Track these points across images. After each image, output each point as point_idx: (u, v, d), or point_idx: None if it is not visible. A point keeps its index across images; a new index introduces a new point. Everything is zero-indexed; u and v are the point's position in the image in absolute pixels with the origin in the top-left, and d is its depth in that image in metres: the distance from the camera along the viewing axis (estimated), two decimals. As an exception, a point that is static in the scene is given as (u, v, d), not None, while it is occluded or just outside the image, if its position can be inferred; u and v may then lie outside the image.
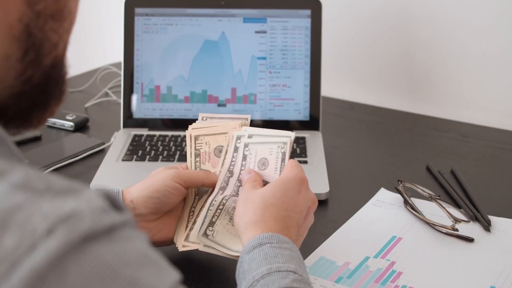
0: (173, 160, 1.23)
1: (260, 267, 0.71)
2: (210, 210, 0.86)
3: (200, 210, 0.90)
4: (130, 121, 1.35)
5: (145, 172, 1.18)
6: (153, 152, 1.26)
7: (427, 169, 1.22)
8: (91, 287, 0.37)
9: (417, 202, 1.07)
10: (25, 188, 0.39)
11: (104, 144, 1.31)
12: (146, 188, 0.87)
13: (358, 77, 1.60)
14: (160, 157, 1.24)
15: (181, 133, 1.32)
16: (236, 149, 0.90)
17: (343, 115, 1.49)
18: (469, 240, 0.98)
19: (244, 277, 0.72)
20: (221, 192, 0.88)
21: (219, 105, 1.35)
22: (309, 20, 1.34)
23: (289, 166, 0.84)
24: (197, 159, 0.92)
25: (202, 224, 0.85)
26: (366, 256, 0.95)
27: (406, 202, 1.07)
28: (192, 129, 0.94)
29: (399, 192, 1.09)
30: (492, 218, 1.03)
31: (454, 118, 1.45)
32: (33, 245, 0.36)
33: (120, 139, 1.30)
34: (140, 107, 1.35)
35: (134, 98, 1.35)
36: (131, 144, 1.29)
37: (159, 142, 1.29)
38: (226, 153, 0.91)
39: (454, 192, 1.12)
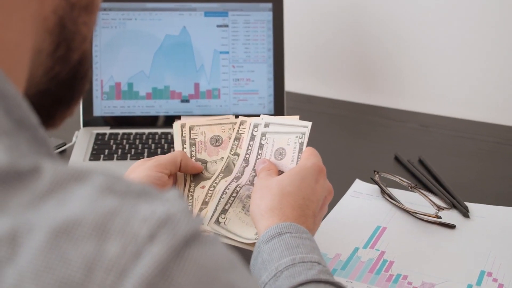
0: (142, 158, 1.20)
1: (282, 257, 0.70)
2: (223, 198, 0.84)
3: (207, 196, 0.87)
4: (91, 119, 1.31)
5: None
6: (120, 150, 1.22)
7: (396, 158, 1.24)
8: None
9: (393, 191, 1.09)
10: (111, 191, 0.36)
11: (65, 144, 1.26)
12: None
13: (313, 71, 1.61)
14: (129, 155, 1.21)
15: (145, 130, 1.29)
16: (252, 137, 0.89)
17: (301, 108, 1.49)
18: (451, 227, 1.00)
19: (264, 267, 0.70)
20: (235, 181, 0.86)
21: (182, 101, 1.32)
22: (270, 13, 1.34)
23: (307, 154, 0.83)
24: (193, 148, 0.90)
25: (214, 211, 0.83)
26: (356, 247, 0.95)
27: (383, 192, 1.09)
28: (183, 121, 0.92)
29: (376, 182, 1.10)
30: (469, 205, 1.05)
31: (411, 109, 1.48)
32: (138, 252, 0.34)
33: (82, 139, 1.26)
34: (100, 105, 1.31)
35: (94, 96, 1.31)
36: (95, 143, 1.25)
37: (124, 141, 1.26)
38: (241, 141, 0.89)
39: (427, 180, 1.14)
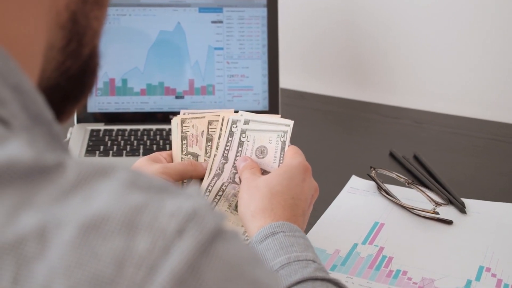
0: (138, 155, 1.20)
1: (277, 256, 0.70)
2: (207, 195, 0.83)
3: None
4: (84, 115, 1.30)
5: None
6: (115, 147, 1.22)
7: (391, 155, 1.24)
8: None
9: (389, 187, 1.09)
10: (136, 186, 0.36)
11: (60, 140, 1.25)
12: None
13: (307, 67, 1.61)
14: (124, 151, 1.20)
15: (140, 127, 1.28)
16: (231, 134, 0.87)
17: (295, 104, 1.49)
18: (449, 222, 1.00)
19: None
20: (216, 178, 0.86)
21: (177, 97, 1.32)
22: (265, 9, 1.34)
23: (291, 153, 0.83)
24: (184, 142, 0.90)
25: None
26: (355, 243, 0.96)
27: (380, 188, 1.09)
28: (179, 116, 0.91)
29: (373, 178, 1.11)
30: (465, 201, 1.06)
31: (404, 105, 1.48)
32: (167, 247, 0.34)
33: (77, 135, 1.25)
34: (94, 101, 1.30)
35: (88, 92, 1.30)
36: (90, 140, 1.24)
37: (119, 137, 1.25)
38: (219, 137, 0.89)
39: (423, 176, 1.14)
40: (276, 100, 1.33)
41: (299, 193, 0.78)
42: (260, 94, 1.34)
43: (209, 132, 0.89)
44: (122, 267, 0.32)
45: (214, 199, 0.83)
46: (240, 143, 0.87)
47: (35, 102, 0.43)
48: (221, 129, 0.89)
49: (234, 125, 0.88)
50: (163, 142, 1.24)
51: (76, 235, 0.33)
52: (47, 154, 0.36)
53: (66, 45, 0.50)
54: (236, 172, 0.85)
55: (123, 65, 1.31)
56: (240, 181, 0.83)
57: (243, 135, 0.87)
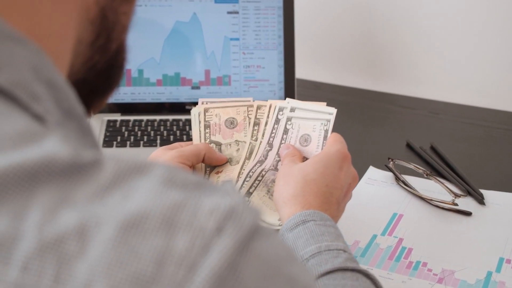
0: (155, 145, 1.20)
1: (307, 245, 0.70)
2: (247, 181, 0.84)
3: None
4: (101, 106, 1.30)
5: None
6: (132, 137, 1.22)
7: (408, 145, 1.24)
8: (262, 287, 0.35)
9: (407, 178, 1.09)
10: (173, 184, 0.36)
11: (77, 131, 1.26)
12: None
13: (323, 57, 1.60)
14: (141, 142, 1.21)
15: (157, 117, 1.28)
16: (277, 121, 0.87)
17: (310, 95, 1.49)
18: (467, 214, 1.00)
19: None
20: (259, 164, 0.86)
21: (193, 88, 1.32)
22: (281, 0, 1.33)
23: (331, 141, 0.82)
24: (207, 131, 0.90)
25: None
26: (374, 234, 0.96)
27: (398, 179, 1.09)
28: (199, 106, 0.92)
29: (390, 169, 1.10)
30: (483, 192, 1.06)
31: (420, 96, 1.48)
32: (206, 245, 0.33)
33: (94, 125, 1.26)
34: (110, 92, 1.30)
35: (104, 83, 1.30)
36: (107, 130, 1.24)
37: (136, 127, 1.25)
38: (265, 124, 0.88)
39: (440, 167, 1.14)
40: (292, 91, 1.33)
41: (334, 181, 0.78)
42: (276, 85, 1.33)
43: (257, 117, 0.89)
44: (162, 266, 0.32)
45: (252, 184, 0.84)
46: (285, 131, 0.87)
47: (67, 97, 0.43)
48: (267, 116, 0.89)
49: (281, 112, 0.88)
50: (180, 133, 1.24)
51: (116, 234, 0.33)
52: (84, 151, 0.36)
53: (95, 40, 0.50)
54: (279, 160, 0.86)
55: (139, 55, 1.31)
56: None
57: (289, 122, 0.87)
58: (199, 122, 0.90)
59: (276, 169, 0.86)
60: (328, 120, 0.85)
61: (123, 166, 0.36)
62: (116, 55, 0.53)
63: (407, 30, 1.49)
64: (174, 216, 0.34)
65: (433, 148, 1.23)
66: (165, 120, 1.27)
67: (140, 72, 1.31)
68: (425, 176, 1.06)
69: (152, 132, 1.24)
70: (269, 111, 0.89)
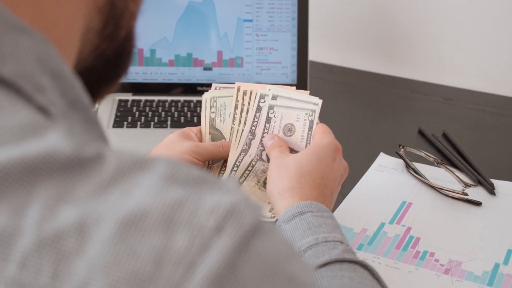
0: (166, 127, 1.20)
1: (305, 237, 0.70)
2: (235, 171, 0.83)
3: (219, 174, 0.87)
4: (113, 85, 1.30)
5: (139, 139, 1.16)
6: (143, 118, 1.22)
7: (420, 132, 1.23)
8: (261, 286, 0.35)
9: (417, 166, 1.08)
10: (175, 180, 0.36)
11: (88, 110, 1.26)
12: None
13: (337, 40, 1.59)
14: (152, 123, 1.21)
15: (168, 98, 1.28)
16: (259, 109, 0.86)
17: (323, 78, 1.48)
18: (477, 204, 1.00)
19: None
20: (243, 153, 0.85)
21: (205, 69, 1.32)
22: (295, -19, 1.32)
23: (320, 132, 0.82)
24: (212, 117, 0.89)
25: None
26: (382, 222, 0.95)
27: (408, 167, 1.08)
28: (210, 92, 0.91)
29: (401, 157, 1.10)
30: (494, 182, 1.05)
31: (434, 81, 1.46)
32: (205, 245, 0.33)
33: (105, 105, 1.26)
34: (122, 71, 1.30)
35: (117, 62, 1.30)
36: (118, 110, 1.24)
37: (147, 108, 1.25)
38: (247, 112, 0.87)
39: (451, 155, 1.13)
40: (304, 74, 1.32)
41: (328, 173, 0.78)
42: (288, 68, 1.32)
43: (241, 101, 0.88)
44: (160, 265, 0.32)
45: (243, 174, 0.83)
46: (268, 119, 0.86)
47: (73, 87, 0.43)
48: (248, 103, 0.88)
49: (262, 100, 0.86)
50: (191, 114, 1.24)
51: (115, 232, 0.33)
52: (86, 146, 0.36)
53: (103, 28, 0.49)
54: (263, 149, 0.85)
55: (152, 35, 1.30)
56: (268, 159, 0.83)
57: (271, 111, 0.86)
58: (206, 108, 0.90)
59: (261, 159, 0.85)
60: (313, 111, 0.84)
61: (125, 161, 0.36)
62: (124, 43, 0.53)
63: (423, 14, 1.47)
64: (174, 214, 0.34)
65: (445, 136, 1.22)
66: (176, 101, 1.27)
67: (153, 52, 1.31)
68: (436, 165, 1.06)
69: (163, 113, 1.23)
70: (249, 98, 0.88)
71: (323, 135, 0.82)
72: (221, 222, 0.34)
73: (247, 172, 0.84)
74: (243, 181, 0.83)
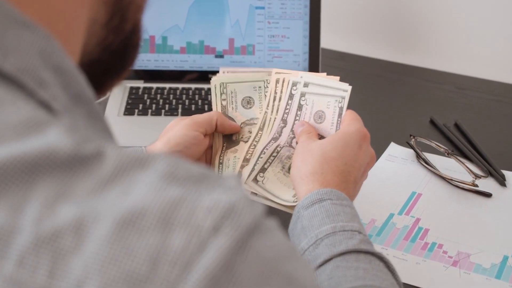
0: (177, 114, 1.20)
1: (323, 225, 0.69)
2: (261, 157, 0.83)
3: (248, 153, 0.86)
4: (124, 72, 1.30)
5: (149, 127, 1.16)
6: (154, 106, 1.22)
7: (431, 122, 1.22)
8: (258, 287, 0.35)
9: (428, 156, 1.08)
10: (174, 178, 0.36)
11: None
12: (166, 144, 0.83)
13: (349, 28, 1.58)
14: (163, 111, 1.21)
15: (179, 85, 1.28)
16: (291, 96, 0.86)
17: (335, 65, 1.47)
18: (487, 195, 0.99)
19: (304, 233, 0.70)
20: (273, 141, 0.85)
21: (216, 56, 1.31)
22: (308, -32, 1.31)
23: (349, 119, 0.82)
24: (224, 104, 0.89)
25: (253, 169, 0.82)
26: (391, 213, 0.95)
27: (419, 157, 1.08)
28: (218, 77, 0.91)
29: (412, 147, 1.09)
30: (505, 173, 1.04)
31: (447, 70, 1.45)
32: (202, 244, 0.33)
33: (117, 92, 1.26)
34: (134, 58, 1.30)
35: (128, 49, 1.30)
36: (129, 98, 1.24)
37: (158, 95, 1.25)
38: (279, 99, 0.87)
39: (463, 146, 1.13)
40: (316, 62, 1.31)
41: (352, 160, 0.77)
42: (300, 56, 1.32)
43: (276, 91, 0.88)
44: (156, 264, 0.32)
45: (267, 160, 0.83)
46: (299, 107, 0.86)
47: (76, 81, 0.43)
48: (281, 91, 0.88)
49: (294, 87, 0.86)
50: (202, 102, 1.24)
51: (112, 230, 0.33)
52: (86, 143, 0.36)
53: (109, 21, 0.49)
54: (294, 137, 0.85)
55: (164, 22, 1.30)
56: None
57: (303, 98, 0.86)
58: (216, 94, 0.90)
59: (291, 146, 0.85)
60: (343, 97, 0.83)
61: (125, 159, 0.36)
62: (131, 35, 0.53)
63: (437, 2, 1.46)
64: (172, 213, 0.34)
65: (457, 126, 1.21)
66: (188, 89, 1.27)
67: (164, 39, 1.30)
68: (446, 155, 1.05)
69: (174, 101, 1.24)
70: (282, 86, 0.88)
71: (351, 122, 0.81)
72: (219, 221, 0.34)
73: (271, 158, 0.84)
74: (268, 167, 0.83)
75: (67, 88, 0.42)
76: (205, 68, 1.31)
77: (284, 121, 0.86)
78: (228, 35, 1.31)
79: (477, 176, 0.98)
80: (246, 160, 0.86)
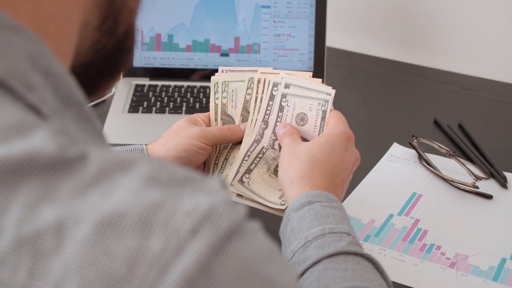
0: (181, 112, 1.21)
1: (312, 227, 0.70)
2: (246, 160, 0.84)
3: (224, 161, 0.87)
4: (130, 70, 1.31)
5: (153, 124, 1.17)
6: (158, 103, 1.23)
7: (435, 122, 1.22)
8: None
9: (431, 157, 1.08)
10: (156, 181, 0.36)
11: (105, 94, 1.27)
12: (173, 147, 0.83)
13: (355, 27, 1.58)
14: (167, 109, 1.22)
15: (184, 83, 1.29)
16: (272, 97, 0.86)
17: (340, 65, 1.48)
18: (488, 197, 0.99)
19: (294, 236, 0.71)
20: (255, 144, 0.85)
21: (222, 55, 1.32)
22: (314, -32, 1.31)
23: (334, 120, 0.82)
24: (224, 102, 0.90)
25: (238, 171, 0.83)
26: (390, 213, 0.95)
27: (421, 158, 1.08)
28: (217, 76, 0.91)
29: (414, 148, 1.09)
30: (508, 175, 1.04)
31: (452, 70, 1.45)
32: (180, 247, 0.34)
33: (122, 89, 1.27)
34: (140, 56, 1.31)
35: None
36: (134, 95, 1.25)
37: (163, 93, 1.26)
38: (261, 100, 0.87)
39: (466, 147, 1.12)
40: (321, 62, 1.32)
41: (340, 162, 0.78)
42: (305, 55, 1.32)
43: (256, 91, 0.88)
44: (134, 266, 0.33)
45: (253, 161, 0.84)
46: (281, 108, 0.85)
47: (66, 84, 0.44)
48: (263, 92, 0.88)
49: (275, 88, 0.86)
50: (206, 100, 1.25)
51: (92, 232, 0.33)
52: (70, 146, 0.37)
53: (102, 24, 0.50)
54: (276, 139, 0.85)
55: (170, 20, 1.31)
56: (280, 147, 0.83)
57: (284, 99, 0.85)
58: (217, 93, 0.90)
59: (273, 147, 0.85)
60: (326, 101, 0.83)
61: (108, 162, 0.37)
62: (124, 38, 0.53)
63: (442, 1, 1.45)
64: (151, 216, 0.35)
65: (460, 126, 1.21)
66: (193, 87, 1.28)
67: (170, 37, 1.31)
68: (448, 156, 1.05)
69: (178, 99, 1.24)
70: (263, 86, 0.87)
71: (337, 123, 0.81)
72: (198, 224, 0.35)
73: (257, 159, 0.84)
74: (254, 168, 0.84)
75: (57, 91, 0.43)
76: (210, 66, 1.32)
77: (266, 123, 0.86)
78: (233, 33, 1.31)
79: (477, 178, 0.98)
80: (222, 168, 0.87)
